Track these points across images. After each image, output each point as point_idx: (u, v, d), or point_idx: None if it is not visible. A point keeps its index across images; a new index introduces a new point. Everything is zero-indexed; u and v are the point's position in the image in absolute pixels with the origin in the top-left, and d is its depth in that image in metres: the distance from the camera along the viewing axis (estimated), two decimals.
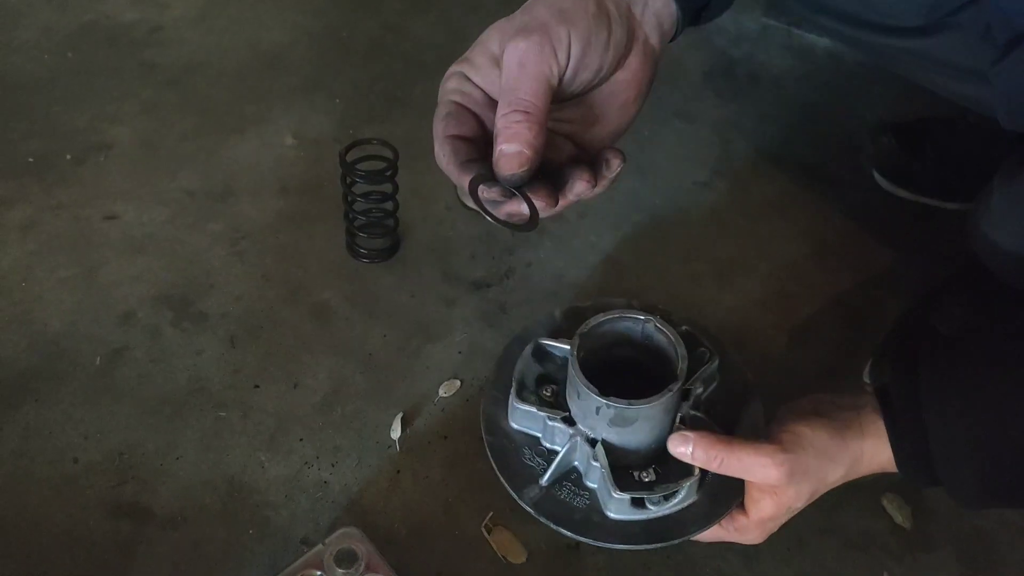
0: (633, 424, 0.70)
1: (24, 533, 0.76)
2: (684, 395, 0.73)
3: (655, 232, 1.08)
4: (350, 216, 0.99)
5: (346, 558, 0.72)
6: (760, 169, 1.19)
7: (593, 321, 0.73)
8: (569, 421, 0.73)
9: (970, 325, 0.81)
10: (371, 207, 0.98)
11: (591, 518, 0.71)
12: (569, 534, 0.70)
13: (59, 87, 1.20)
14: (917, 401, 0.67)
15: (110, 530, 0.77)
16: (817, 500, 0.83)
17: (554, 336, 0.77)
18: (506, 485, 0.73)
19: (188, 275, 0.98)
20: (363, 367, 0.91)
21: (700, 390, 0.74)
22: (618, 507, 0.71)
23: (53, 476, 0.80)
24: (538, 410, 0.73)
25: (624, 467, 0.71)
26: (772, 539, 0.80)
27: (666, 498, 0.70)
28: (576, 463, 0.74)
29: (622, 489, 0.69)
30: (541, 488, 0.72)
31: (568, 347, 0.72)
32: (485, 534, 0.79)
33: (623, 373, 0.73)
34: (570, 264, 1.03)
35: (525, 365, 0.76)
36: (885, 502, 0.83)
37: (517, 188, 0.62)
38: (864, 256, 1.08)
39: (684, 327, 0.76)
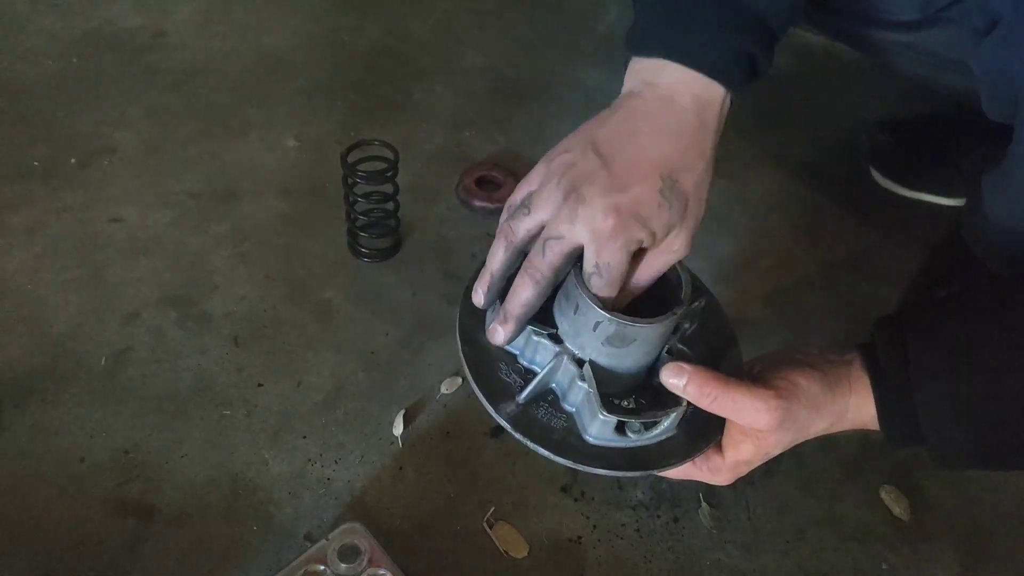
0: (630, 345, 0.66)
1: (30, 531, 0.77)
2: (675, 328, 0.70)
3: None
4: (352, 216, 1.00)
5: (349, 553, 0.73)
6: (758, 167, 1.19)
7: None
8: (556, 339, 0.69)
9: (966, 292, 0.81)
10: (372, 207, 0.99)
11: (568, 440, 0.68)
12: (547, 453, 0.67)
13: (64, 92, 1.21)
14: (904, 358, 0.66)
15: (116, 528, 0.78)
16: (817, 492, 0.84)
17: None
18: (482, 399, 0.69)
19: (192, 276, 0.99)
20: (365, 365, 0.92)
21: (687, 325, 0.72)
22: (599, 431, 0.67)
23: (59, 475, 0.81)
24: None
25: (606, 395, 0.67)
26: (771, 531, 0.81)
27: (647, 428, 0.68)
28: (554, 385, 0.70)
29: (609, 411, 0.66)
30: (518, 405, 0.69)
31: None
32: (487, 529, 0.80)
33: None
34: None
35: (511, 274, 0.70)
36: (883, 494, 0.84)
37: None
38: (862, 252, 1.08)
39: (676, 269, 0.72)
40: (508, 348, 0.70)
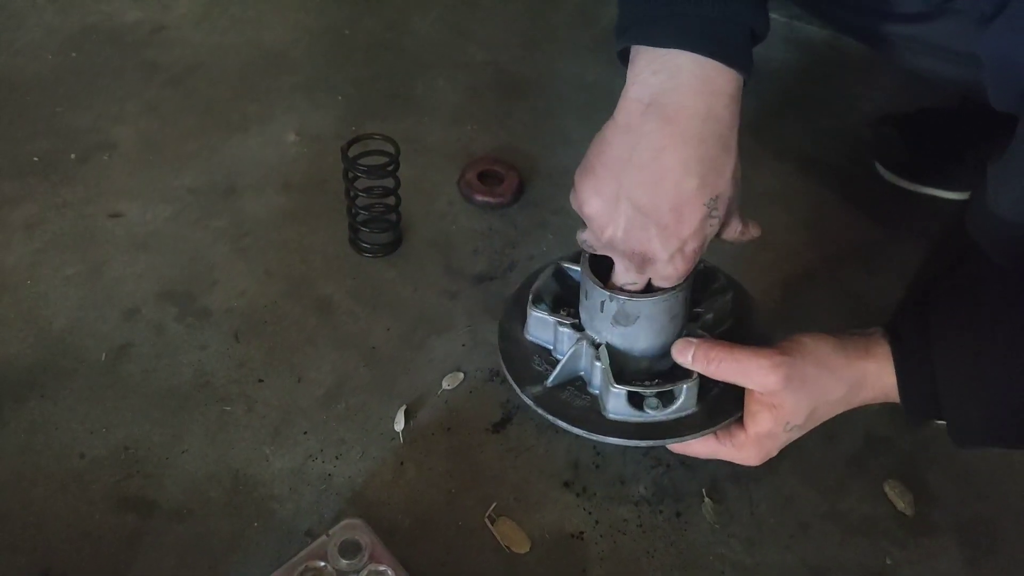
0: (636, 322, 0.71)
1: (31, 527, 0.77)
2: (693, 317, 0.75)
3: None
4: (352, 211, 0.99)
5: (350, 549, 0.72)
6: (762, 161, 1.19)
7: None
8: (577, 328, 0.75)
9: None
10: (373, 202, 0.99)
11: (588, 416, 0.73)
12: (563, 424, 0.73)
13: (63, 87, 1.20)
14: (927, 331, 0.66)
15: (116, 523, 0.78)
16: (820, 486, 0.84)
17: (574, 261, 0.79)
18: (511, 381, 0.76)
19: (192, 271, 0.99)
20: (366, 360, 0.91)
21: (709, 316, 0.76)
22: (616, 405, 0.72)
23: (59, 471, 0.81)
24: (549, 315, 0.76)
25: (627, 375, 0.73)
26: (775, 526, 0.81)
27: (664, 403, 0.72)
28: (582, 371, 0.76)
29: (620, 382, 0.71)
30: (545, 388, 0.75)
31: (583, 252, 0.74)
32: (488, 524, 0.79)
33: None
34: None
35: (544, 283, 0.80)
36: (887, 489, 0.84)
37: None
38: (866, 246, 1.08)
39: (702, 264, 0.78)
40: (542, 343, 0.78)
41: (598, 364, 0.73)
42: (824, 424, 0.88)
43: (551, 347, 0.78)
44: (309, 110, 1.20)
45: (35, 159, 1.10)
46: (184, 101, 1.20)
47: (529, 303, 0.78)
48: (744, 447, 0.71)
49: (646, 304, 0.70)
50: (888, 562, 0.79)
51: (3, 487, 0.79)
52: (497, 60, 1.31)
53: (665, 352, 0.73)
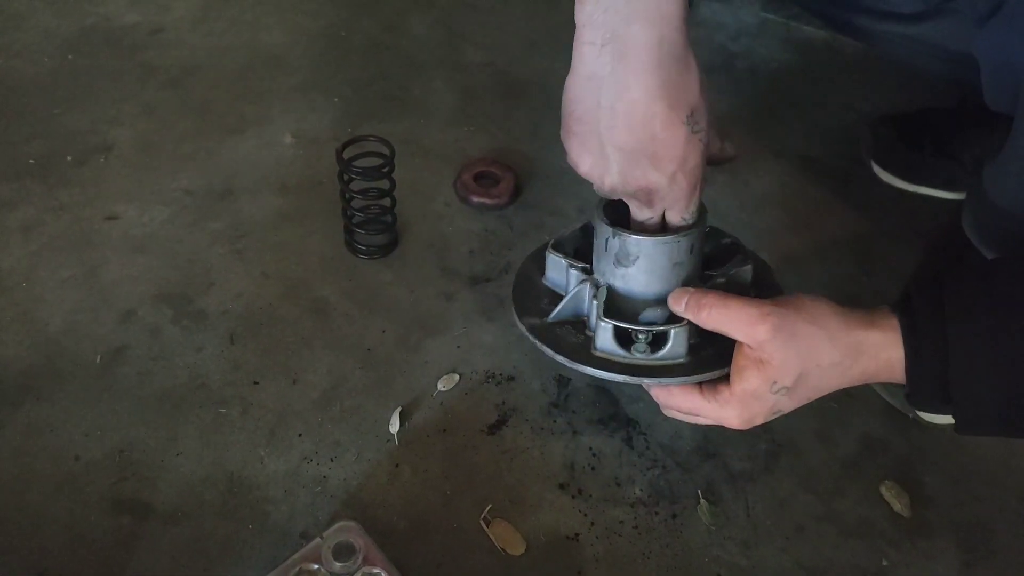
0: (635, 263, 0.71)
1: (26, 530, 0.77)
2: (705, 279, 0.75)
3: None
4: (348, 213, 0.99)
5: (344, 551, 0.72)
6: (759, 162, 1.19)
7: None
8: (587, 271, 0.76)
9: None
10: (369, 203, 0.99)
11: (577, 351, 0.74)
12: (548, 351, 0.74)
13: (60, 89, 1.21)
14: (940, 311, 0.63)
15: (111, 526, 0.78)
16: (817, 488, 0.84)
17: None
18: (513, 312, 0.78)
19: (188, 273, 0.99)
20: (362, 362, 0.91)
21: (721, 280, 0.76)
22: (603, 341, 0.72)
23: (54, 473, 0.81)
24: (563, 259, 0.78)
25: (623, 321, 0.73)
26: (770, 527, 0.80)
27: (652, 347, 0.72)
28: (584, 314, 0.76)
29: (607, 316, 0.71)
30: (544, 322, 0.76)
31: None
32: (484, 526, 0.79)
33: None
34: None
35: (569, 234, 0.81)
36: (884, 490, 0.83)
37: None
38: (864, 246, 1.07)
39: (729, 240, 0.80)
40: (556, 289, 0.79)
41: (595, 302, 0.73)
42: (820, 425, 0.88)
43: (564, 292, 0.79)
44: (306, 112, 1.20)
45: (32, 161, 1.10)
46: (181, 103, 1.20)
47: (549, 246, 0.79)
48: (727, 405, 0.69)
49: (646, 243, 0.70)
50: (884, 564, 0.79)
51: None
52: (494, 62, 1.31)
53: (663, 301, 0.72)
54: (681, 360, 0.72)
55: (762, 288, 0.79)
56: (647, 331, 0.72)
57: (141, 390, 0.88)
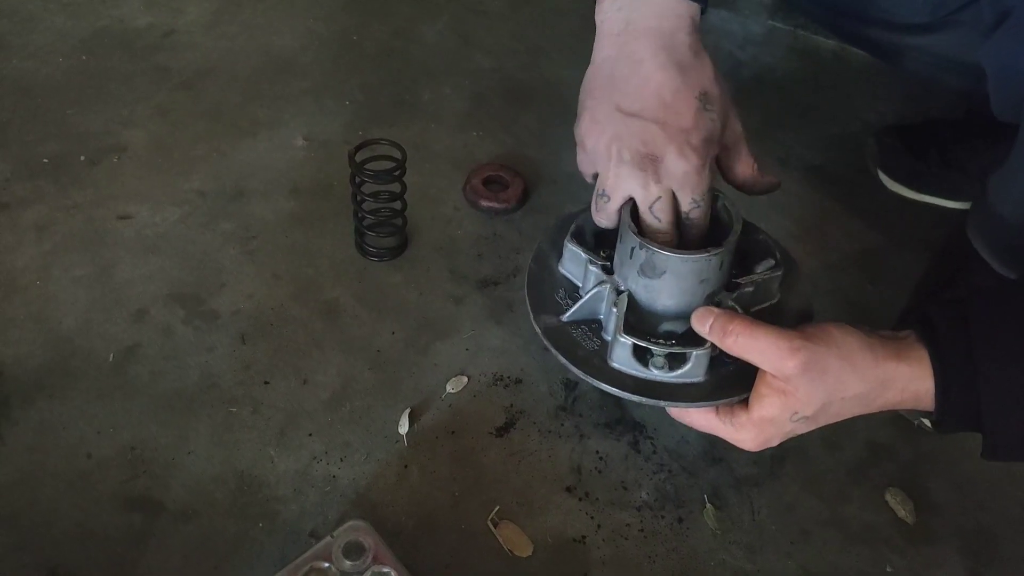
0: (661, 276, 0.69)
1: (38, 526, 0.78)
2: (730, 287, 0.72)
3: None
4: (359, 215, 1.00)
5: (354, 550, 0.73)
6: (765, 170, 1.19)
7: None
8: (608, 270, 0.74)
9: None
10: (380, 206, 1.00)
11: (592, 360, 0.72)
12: (564, 360, 0.72)
13: (74, 90, 1.22)
14: (967, 340, 0.63)
15: (122, 523, 0.78)
16: (822, 494, 0.84)
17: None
18: (528, 308, 0.75)
19: (200, 274, 1.00)
20: (371, 363, 0.92)
21: (749, 289, 0.73)
22: (621, 356, 0.70)
23: (67, 470, 0.82)
24: (583, 252, 0.75)
25: (641, 330, 0.71)
26: (776, 532, 0.81)
27: (670, 365, 0.69)
28: (601, 315, 0.74)
29: (627, 332, 0.69)
30: (559, 321, 0.74)
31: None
32: (491, 528, 0.80)
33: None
34: None
35: (587, 219, 0.76)
36: (889, 497, 0.84)
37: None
38: (869, 255, 1.08)
39: (763, 235, 0.77)
40: (572, 279, 0.77)
41: (614, 310, 0.71)
42: (826, 431, 0.89)
43: (579, 284, 0.77)
44: (317, 115, 1.21)
45: (46, 161, 1.11)
46: (194, 105, 1.21)
47: (568, 236, 0.76)
48: (743, 428, 0.67)
49: (674, 260, 0.68)
50: (889, 570, 0.80)
51: (11, 486, 0.80)
52: (503, 67, 1.32)
53: (686, 315, 0.70)
54: (699, 379, 0.69)
55: (789, 296, 0.76)
56: (667, 351, 0.69)
57: (153, 389, 0.88)
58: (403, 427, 0.87)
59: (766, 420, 0.66)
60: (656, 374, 0.70)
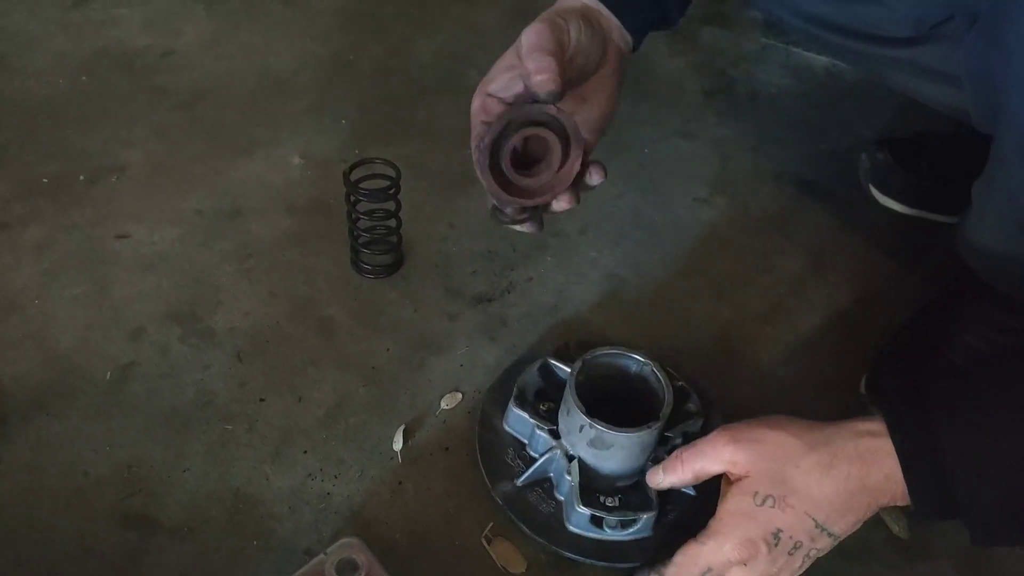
0: (610, 449, 0.77)
1: (35, 544, 0.78)
2: (663, 440, 0.80)
3: (655, 248, 1.10)
4: (354, 233, 1.01)
5: (346, 567, 0.73)
6: (759, 185, 1.20)
7: (599, 351, 0.81)
8: (555, 435, 0.81)
9: (985, 357, 0.82)
10: (375, 224, 1.00)
11: (551, 525, 0.79)
12: (529, 532, 0.78)
13: (73, 111, 1.23)
14: (927, 418, 0.61)
15: (118, 541, 0.79)
16: None
17: (561, 359, 0.86)
18: (484, 476, 0.82)
19: (197, 292, 1.00)
20: (367, 380, 0.93)
21: (679, 440, 0.81)
22: (578, 521, 0.78)
23: (63, 488, 0.82)
24: (530, 417, 0.82)
25: (593, 490, 0.78)
26: None
27: (623, 525, 0.77)
28: (552, 474, 0.81)
29: (585, 504, 0.77)
30: (515, 486, 0.81)
31: (570, 370, 0.79)
32: (485, 545, 0.80)
33: (613, 404, 0.79)
34: (571, 279, 1.05)
35: (529, 377, 0.86)
36: (883, 513, 0.84)
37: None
38: (862, 270, 1.09)
39: (680, 383, 0.85)
40: (518, 437, 0.84)
41: (568, 478, 0.78)
42: None
43: (526, 442, 0.84)
44: (314, 134, 1.22)
45: (45, 181, 1.12)
46: (192, 125, 1.22)
47: (512, 399, 0.83)
48: (719, 535, 0.66)
49: (623, 437, 0.76)
50: None
51: (9, 504, 0.81)
52: None
53: (632, 473, 0.79)
54: (648, 533, 0.78)
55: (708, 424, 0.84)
56: (620, 519, 0.77)
57: (149, 407, 0.89)
58: (397, 444, 0.87)
59: (733, 513, 0.66)
60: (609, 533, 0.78)
